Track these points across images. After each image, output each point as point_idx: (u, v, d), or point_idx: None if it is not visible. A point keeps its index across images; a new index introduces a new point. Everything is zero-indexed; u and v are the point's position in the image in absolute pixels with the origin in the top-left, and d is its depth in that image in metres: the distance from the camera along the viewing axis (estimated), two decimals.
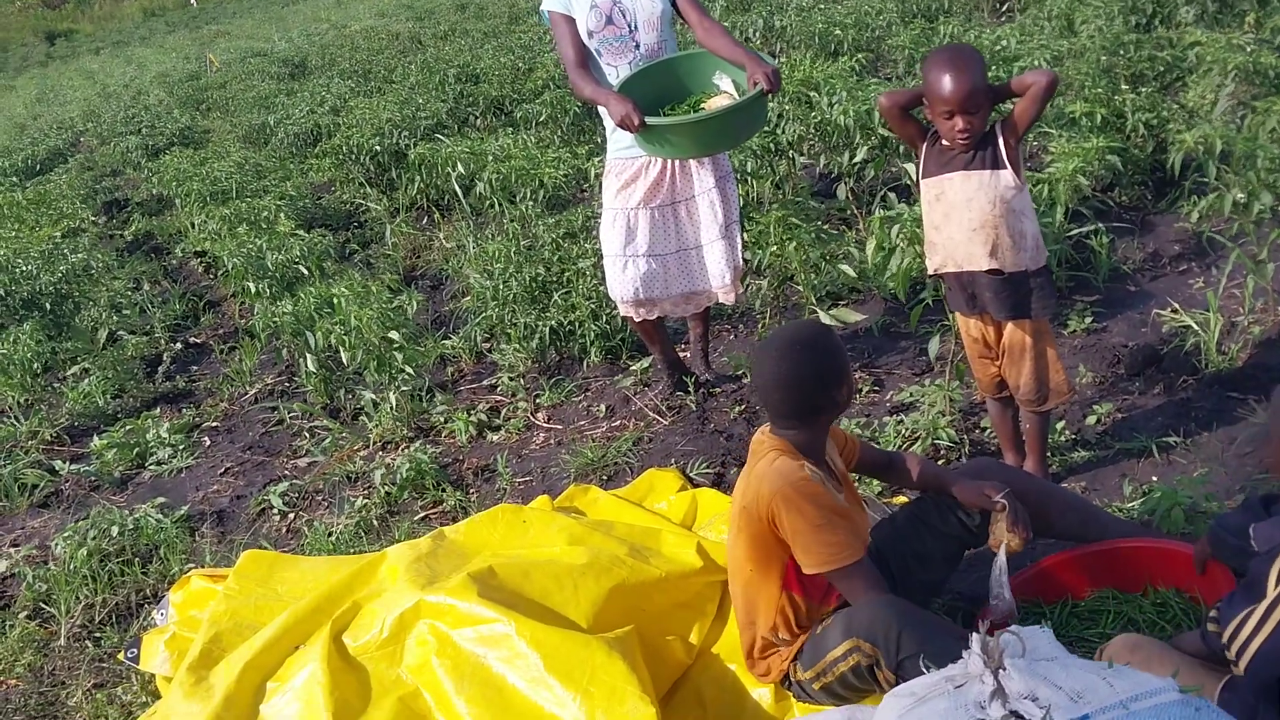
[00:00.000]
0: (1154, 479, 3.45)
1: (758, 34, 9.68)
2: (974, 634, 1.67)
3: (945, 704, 1.56)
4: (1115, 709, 1.47)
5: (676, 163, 4.14)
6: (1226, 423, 3.65)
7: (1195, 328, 4.11)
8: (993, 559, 2.79)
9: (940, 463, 3.76)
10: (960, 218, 3.20)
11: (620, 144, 4.15)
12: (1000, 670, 1.55)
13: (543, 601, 2.91)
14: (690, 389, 4.55)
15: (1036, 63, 5.89)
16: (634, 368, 4.91)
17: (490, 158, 7.27)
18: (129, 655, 3.56)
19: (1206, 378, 3.91)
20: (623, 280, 4.23)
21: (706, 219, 4.19)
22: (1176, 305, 4.37)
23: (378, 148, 8.51)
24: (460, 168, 7.39)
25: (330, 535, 4.21)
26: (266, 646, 3.02)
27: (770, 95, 3.85)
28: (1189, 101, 5.62)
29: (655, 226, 4.18)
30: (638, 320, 4.38)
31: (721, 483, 3.97)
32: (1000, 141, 3.13)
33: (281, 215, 7.44)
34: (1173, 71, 5.94)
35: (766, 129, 5.90)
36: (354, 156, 8.67)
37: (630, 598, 3.00)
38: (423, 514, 4.26)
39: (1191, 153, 4.89)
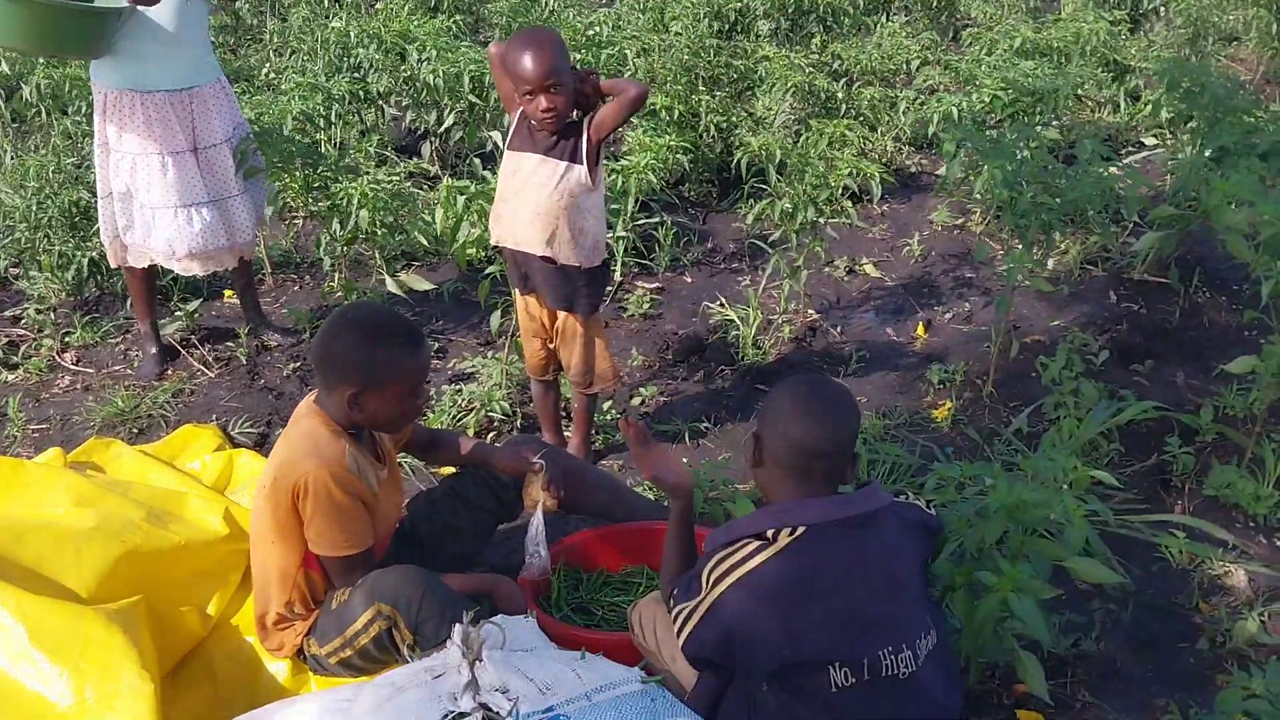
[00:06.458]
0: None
1: None
2: (456, 625, 1.68)
3: (421, 694, 1.55)
4: (580, 700, 1.53)
5: (195, 105, 3.85)
6: (750, 413, 3.97)
7: (737, 321, 4.44)
8: (530, 520, 2.88)
9: (491, 435, 3.80)
10: (528, 198, 3.22)
11: (109, 72, 3.78)
12: (477, 662, 1.56)
13: (36, 569, 2.61)
14: (242, 340, 4.29)
15: (626, 52, 6.09)
16: (182, 310, 4.55)
17: (41, 61, 6.47)
18: None
19: (741, 369, 4.23)
20: (188, 232, 3.88)
21: (228, 170, 3.97)
22: (724, 299, 4.70)
23: None
24: (4, 66, 6.54)
25: None
26: None
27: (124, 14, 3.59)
28: (756, 110, 6.05)
29: (185, 173, 3.87)
30: (138, 270, 4.06)
31: (265, 443, 3.77)
32: (584, 137, 3.18)
33: None
34: (745, 80, 6.35)
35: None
36: None
37: (143, 565, 2.77)
38: None
39: (755, 158, 5.28)
